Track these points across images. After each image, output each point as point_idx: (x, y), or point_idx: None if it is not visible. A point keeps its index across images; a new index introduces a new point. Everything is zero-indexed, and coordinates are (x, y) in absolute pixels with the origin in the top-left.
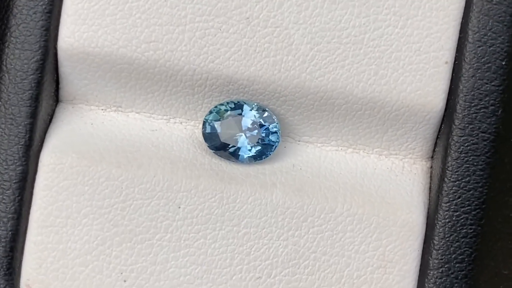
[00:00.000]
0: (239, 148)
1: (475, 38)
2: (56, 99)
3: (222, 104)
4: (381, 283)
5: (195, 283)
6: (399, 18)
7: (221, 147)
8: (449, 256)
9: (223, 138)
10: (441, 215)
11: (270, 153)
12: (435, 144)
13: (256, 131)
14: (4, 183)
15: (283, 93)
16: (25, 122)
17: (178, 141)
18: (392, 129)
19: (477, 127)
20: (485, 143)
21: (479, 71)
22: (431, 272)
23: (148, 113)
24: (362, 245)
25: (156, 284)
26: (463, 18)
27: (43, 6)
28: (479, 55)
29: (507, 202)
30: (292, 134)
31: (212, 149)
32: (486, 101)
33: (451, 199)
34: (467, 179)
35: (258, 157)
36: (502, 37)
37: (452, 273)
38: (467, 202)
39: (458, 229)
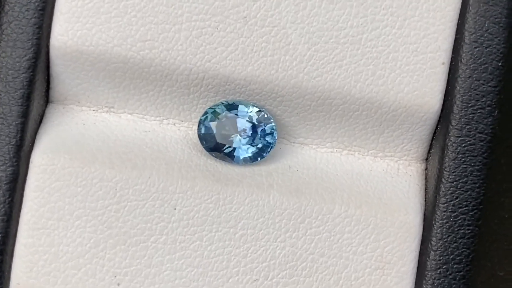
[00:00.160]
0: (234, 149)
1: (472, 39)
2: (46, 99)
3: (217, 105)
4: (379, 285)
5: (191, 286)
6: (396, 18)
7: (216, 148)
8: (447, 257)
9: (219, 139)
10: (438, 216)
11: (266, 154)
12: (430, 146)
13: (252, 132)
14: None
15: (280, 93)
16: (16, 122)
17: (172, 142)
18: (388, 130)
19: (474, 128)
20: (482, 143)
21: (475, 72)
22: (429, 273)
23: (140, 114)
24: (360, 247)
25: (151, 287)
26: (459, 19)
27: (36, 3)
28: (475, 56)
29: (503, 203)
30: (287, 136)
31: (208, 150)
32: (483, 101)
33: (448, 199)
34: (464, 179)
35: (254, 158)
36: (498, 38)
37: (450, 274)
38: (465, 203)
39: (456, 230)
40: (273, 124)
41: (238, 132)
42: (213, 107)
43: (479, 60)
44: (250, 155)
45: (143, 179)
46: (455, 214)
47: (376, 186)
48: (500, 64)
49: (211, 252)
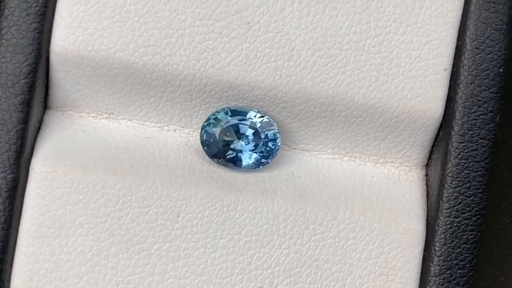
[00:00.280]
0: (237, 155)
1: (473, 45)
2: (44, 105)
3: (220, 111)
4: None
5: None
6: (399, 25)
7: (219, 154)
8: (450, 262)
9: (221, 145)
10: (442, 221)
11: (270, 160)
12: (431, 152)
13: (255, 137)
14: None
15: (284, 99)
16: (17, 128)
17: (174, 148)
18: (390, 136)
19: (477, 133)
20: (484, 149)
21: (477, 78)
22: (433, 279)
23: (141, 121)
24: (364, 253)
25: None
26: (460, 26)
27: (36, 8)
28: (477, 62)
29: (504, 208)
30: (289, 142)
31: (210, 156)
32: (485, 107)
33: (451, 205)
34: (467, 185)
35: (257, 164)
36: (500, 44)
37: (453, 280)
38: (468, 208)
39: (459, 235)
40: (276, 130)
41: (241, 138)
42: (215, 113)
43: (481, 67)
44: (253, 161)
45: (146, 186)
46: (459, 219)
47: (378, 192)
48: (501, 70)
49: (215, 259)
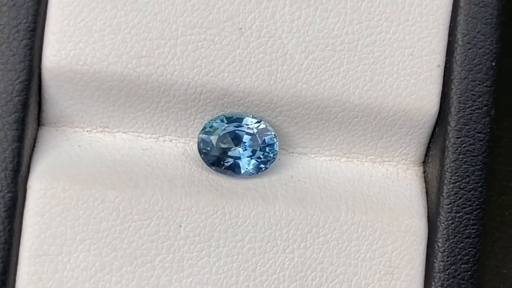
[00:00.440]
0: (236, 162)
1: (465, 40)
2: (38, 122)
3: (216, 118)
4: None
5: None
6: (390, 23)
7: (217, 162)
8: (454, 257)
9: (219, 153)
10: (443, 217)
11: (269, 165)
12: (427, 149)
13: (252, 143)
14: None
15: (279, 104)
16: (12, 147)
17: (171, 158)
18: (387, 135)
19: (473, 128)
20: (481, 143)
21: (471, 72)
22: (438, 275)
23: (136, 133)
24: (368, 253)
25: None
26: (451, 21)
27: (26, 24)
28: (469, 57)
29: (503, 201)
30: (286, 146)
31: (208, 165)
32: (479, 102)
33: (452, 200)
34: (466, 179)
35: (256, 170)
36: (491, 38)
37: (458, 275)
38: (469, 203)
39: (462, 230)
40: (273, 135)
41: (238, 145)
42: (211, 121)
43: (473, 61)
44: (252, 167)
45: (146, 198)
46: (460, 214)
47: (378, 192)
48: (493, 64)
49: (219, 268)
